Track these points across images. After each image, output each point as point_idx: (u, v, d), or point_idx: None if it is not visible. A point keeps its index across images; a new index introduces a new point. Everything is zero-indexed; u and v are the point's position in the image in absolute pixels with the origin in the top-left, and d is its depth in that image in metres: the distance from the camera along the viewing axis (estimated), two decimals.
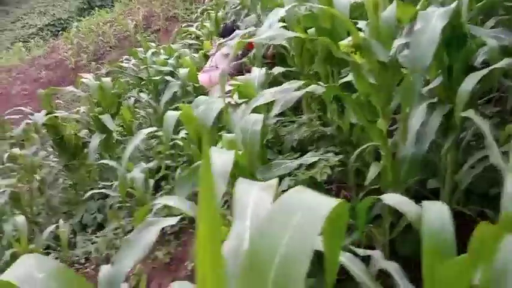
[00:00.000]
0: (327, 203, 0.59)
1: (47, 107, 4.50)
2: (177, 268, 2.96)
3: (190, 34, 6.34)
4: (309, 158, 1.66)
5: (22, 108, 4.78)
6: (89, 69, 9.33)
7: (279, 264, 0.55)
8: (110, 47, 10.44)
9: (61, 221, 3.79)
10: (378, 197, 0.96)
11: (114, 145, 4.43)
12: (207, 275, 0.50)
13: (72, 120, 4.55)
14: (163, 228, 3.16)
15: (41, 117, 4.22)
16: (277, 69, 2.47)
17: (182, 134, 3.07)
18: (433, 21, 1.31)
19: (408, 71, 1.33)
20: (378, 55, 1.60)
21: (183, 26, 7.03)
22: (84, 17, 14.56)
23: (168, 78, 4.18)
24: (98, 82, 4.18)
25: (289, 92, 1.53)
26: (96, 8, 16.15)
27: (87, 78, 4.42)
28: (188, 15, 10.19)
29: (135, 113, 4.92)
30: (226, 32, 4.39)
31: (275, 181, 0.92)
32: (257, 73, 2.23)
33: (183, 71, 3.60)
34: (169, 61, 4.59)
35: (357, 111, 1.66)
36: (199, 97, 2.88)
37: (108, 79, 4.13)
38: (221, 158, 1.16)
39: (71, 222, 4.44)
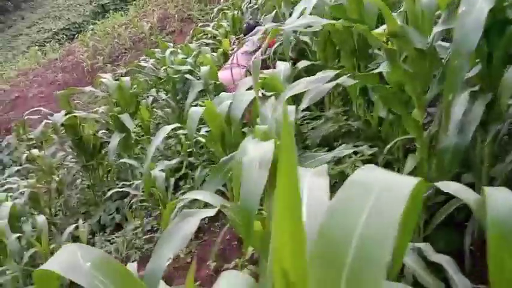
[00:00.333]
0: (406, 181, 0.53)
1: (66, 107, 4.51)
2: (199, 267, 2.92)
3: (207, 34, 6.33)
4: (343, 150, 1.60)
5: (41, 108, 4.79)
6: (104, 71, 9.35)
7: (356, 247, 0.49)
8: (125, 49, 10.49)
9: (80, 221, 3.78)
10: (435, 184, 0.90)
11: (132, 145, 4.42)
12: (285, 255, 0.45)
13: (90, 120, 4.54)
14: None
15: (60, 117, 4.22)
16: (302, 63, 2.42)
17: (203, 131, 3.04)
18: (478, 3, 1.25)
19: (451, 56, 1.27)
20: (415, 43, 1.54)
21: (199, 26, 7.01)
22: (98, 21, 14.69)
23: (188, 76, 4.16)
24: (117, 82, 4.17)
25: (322, 81, 1.47)
26: (110, 11, 16.30)
27: (106, 78, 4.42)
28: (203, 16, 10.18)
29: (152, 113, 4.91)
30: (249, 30, 4.37)
31: (325, 167, 0.87)
32: (282, 67, 2.18)
33: (204, 69, 3.56)
34: (188, 60, 4.56)
35: (391, 102, 1.59)
36: (221, 93, 2.85)
37: (127, 78, 4.12)
38: (261, 148, 1.11)
39: (89, 222, 4.43)
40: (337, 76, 1.59)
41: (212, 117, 2.46)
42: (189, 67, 4.30)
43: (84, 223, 4.21)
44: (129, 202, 4.34)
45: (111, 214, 4.50)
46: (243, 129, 2.83)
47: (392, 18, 1.53)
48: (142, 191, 3.97)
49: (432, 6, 1.47)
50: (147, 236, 3.57)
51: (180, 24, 10.33)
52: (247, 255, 1.99)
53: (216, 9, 7.32)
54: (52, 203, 4.85)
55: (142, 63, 5.11)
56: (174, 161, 3.02)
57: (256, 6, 4.83)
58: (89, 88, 4.60)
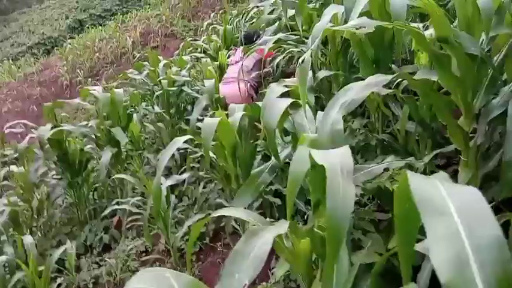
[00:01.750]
0: None
1: (52, 120, 4.26)
2: None
3: (196, 48, 6.20)
4: (393, 162, 1.47)
5: (24, 121, 4.52)
6: (85, 86, 9.10)
7: None
8: (107, 64, 10.24)
9: (68, 243, 3.51)
10: None
11: (123, 161, 4.20)
12: None
13: (78, 135, 4.30)
14: (182, 249, 2.91)
15: (46, 131, 3.97)
16: (322, 73, 2.30)
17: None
18: None
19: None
20: (468, 48, 1.44)
21: (188, 40, 6.88)
22: (76, 36, 14.39)
23: (184, 88, 4.00)
24: (108, 94, 3.97)
25: (376, 86, 1.35)
26: (87, 27, 16.00)
27: (95, 90, 4.21)
28: (187, 32, 10.08)
29: (143, 128, 4.71)
30: (248, 39, 4.27)
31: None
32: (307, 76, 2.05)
33: (208, 83, 3.41)
34: (183, 73, 4.41)
35: (442, 111, 1.48)
36: (231, 105, 2.70)
37: (120, 90, 3.92)
38: (335, 155, 0.97)
39: (73, 243, 4.15)
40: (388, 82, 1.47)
41: (225, 130, 2.31)
42: (183, 79, 4.14)
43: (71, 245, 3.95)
44: (118, 221, 4.11)
45: (99, 234, 4.23)
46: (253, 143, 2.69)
47: (445, 22, 1.43)
48: (138, 207, 3.75)
49: (489, 11, 1.37)
50: (143, 258, 3.34)
51: (164, 39, 10.18)
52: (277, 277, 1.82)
53: (205, 24, 7.23)
54: (33, 223, 4.53)
55: (135, 76, 4.92)
56: (184, 176, 2.83)
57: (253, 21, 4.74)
58: (76, 100, 4.37)
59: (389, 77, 1.38)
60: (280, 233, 0.97)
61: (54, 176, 4.77)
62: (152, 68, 4.92)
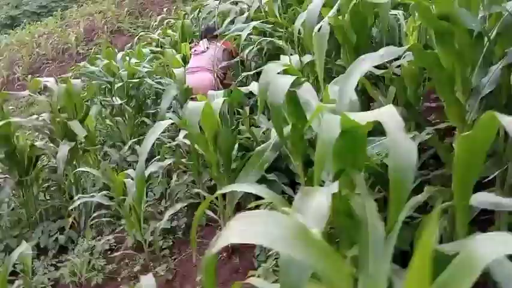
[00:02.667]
0: None
1: None
2: (183, 284, 2.60)
3: (150, 43, 6.01)
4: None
5: None
6: (25, 83, 8.52)
7: None
8: (48, 60, 9.65)
9: (24, 243, 3.22)
10: None
11: (80, 156, 3.95)
12: None
13: (28, 128, 4.00)
14: (152, 245, 2.77)
15: None
16: (306, 58, 2.30)
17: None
18: None
19: None
20: (468, 24, 1.49)
21: (142, 34, 6.64)
22: (11, 31, 13.46)
23: (147, 80, 3.84)
24: (64, 85, 3.72)
25: (387, 58, 1.35)
26: (23, 23, 15.02)
27: (48, 81, 3.93)
28: (135, 29, 9.76)
29: (99, 122, 4.48)
30: (209, 32, 4.21)
31: None
32: (294, 60, 2.05)
33: (178, 71, 3.28)
34: (143, 64, 4.24)
35: (444, 87, 1.52)
36: (210, 92, 2.62)
37: (77, 81, 3.69)
38: (385, 113, 0.94)
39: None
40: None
41: (208, 116, 2.24)
42: (145, 70, 3.98)
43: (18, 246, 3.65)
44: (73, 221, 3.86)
45: (53, 235, 3.95)
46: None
47: None
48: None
49: None
50: (110, 256, 3.15)
51: (110, 36, 9.79)
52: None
53: (159, 18, 7.02)
54: None
55: (86, 69, 4.64)
56: (167, 162, 2.69)
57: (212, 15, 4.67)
58: (25, 92, 4.06)
59: (402, 49, 1.39)
60: (334, 192, 0.93)
61: (0, 175, 4.42)
62: (107, 61, 4.68)
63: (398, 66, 2.02)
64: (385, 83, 2.13)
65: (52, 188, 4.51)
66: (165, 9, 8.09)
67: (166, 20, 6.40)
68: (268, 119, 2.45)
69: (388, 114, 0.93)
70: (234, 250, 2.59)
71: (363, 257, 0.99)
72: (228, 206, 2.58)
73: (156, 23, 7.20)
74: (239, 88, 2.42)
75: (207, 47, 4.02)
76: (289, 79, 1.55)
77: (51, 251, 3.78)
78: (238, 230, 0.68)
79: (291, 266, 0.73)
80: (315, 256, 0.62)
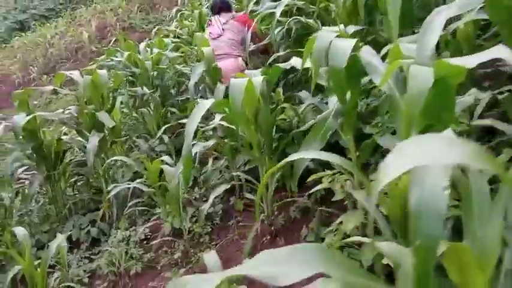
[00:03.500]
0: None
1: (25, 109, 3.90)
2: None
3: (167, 35, 5.95)
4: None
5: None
6: (41, 83, 8.53)
7: None
8: (62, 60, 9.66)
9: (60, 236, 3.20)
10: None
11: (108, 148, 3.91)
12: None
13: (55, 123, 3.98)
14: (191, 231, 2.71)
15: (21, 119, 3.61)
16: (351, 28, 2.21)
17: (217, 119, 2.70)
18: None
19: None
20: None
21: (160, 27, 6.59)
22: (23, 34, 13.49)
23: (179, 67, 3.78)
24: (90, 77, 3.68)
25: (463, 10, 1.27)
26: (30, 27, 15.05)
27: (73, 74, 3.90)
28: (146, 25, 9.72)
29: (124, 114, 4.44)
30: (224, 7, 4.02)
31: None
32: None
33: (206, 50, 3.20)
34: (167, 53, 4.19)
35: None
36: (247, 71, 2.55)
37: (103, 71, 3.64)
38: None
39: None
40: None
41: (249, 93, 2.16)
42: (172, 56, 3.92)
43: (49, 242, 3.64)
44: (104, 214, 3.83)
45: (84, 228, 3.93)
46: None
47: None
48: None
49: None
50: (147, 245, 3.11)
51: (122, 32, 9.75)
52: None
53: (174, 10, 6.95)
54: (6, 222, 4.14)
55: (105, 63, 4.60)
56: (211, 142, 2.62)
57: None
58: (50, 87, 4.02)
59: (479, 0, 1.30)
60: None
61: (27, 171, 4.41)
62: (126, 53, 4.63)
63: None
64: (439, 48, 2.04)
65: (80, 183, 4.50)
66: (179, 1, 8.01)
67: (180, 12, 6.34)
68: (313, 95, 2.37)
69: (503, 51, 0.85)
70: (278, 232, 2.53)
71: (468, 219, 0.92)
72: (270, 188, 2.53)
73: (173, 14, 7.12)
74: (278, 64, 2.34)
75: (223, 29, 3.89)
76: (351, 41, 1.47)
77: (84, 244, 3.76)
78: (412, 152, 0.60)
79: None
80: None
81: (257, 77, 2.26)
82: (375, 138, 1.71)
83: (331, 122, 1.56)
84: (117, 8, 10.88)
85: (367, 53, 1.49)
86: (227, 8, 4.09)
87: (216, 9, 4.10)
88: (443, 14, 1.24)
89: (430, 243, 0.69)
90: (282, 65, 2.28)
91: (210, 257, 1.42)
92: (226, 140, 2.64)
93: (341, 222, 1.72)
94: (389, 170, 0.61)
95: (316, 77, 1.65)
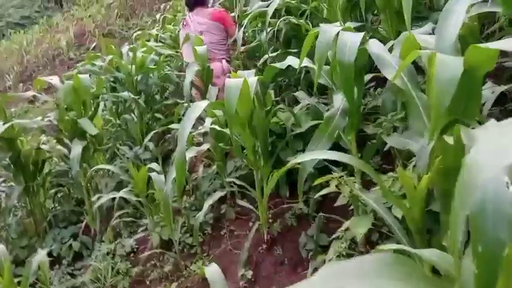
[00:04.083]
0: None
1: (1, 117, 3.71)
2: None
3: (148, 40, 5.79)
4: None
5: None
6: (16, 92, 8.24)
7: None
8: (39, 67, 9.37)
9: (41, 251, 3.00)
10: None
11: (91, 156, 3.74)
12: None
13: (34, 131, 3.78)
14: (181, 242, 2.57)
15: None
16: (350, 24, 2.12)
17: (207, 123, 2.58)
18: None
19: None
20: None
21: (146, 31, 6.43)
22: None
23: (164, 72, 3.64)
24: (71, 82, 3.51)
25: None
26: (9, 33, 14.66)
27: (52, 79, 3.72)
28: (126, 31, 9.53)
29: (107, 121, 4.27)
30: (198, 1, 3.82)
31: None
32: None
33: (201, 49, 3.06)
34: (152, 56, 4.04)
35: None
36: (240, 72, 2.44)
37: (86, 76, 3.47)
38: None
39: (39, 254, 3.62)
40: None
41: (244, 95, 2.05)
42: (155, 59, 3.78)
43: (29, 258, 3.45)
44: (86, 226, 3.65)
45: (66, 243, 3.74)
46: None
47: None
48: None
49: None
50: (134, 258, 2.95)
51: (102, 39, 9.54)
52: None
53: (158, 16, 6.79)
54: None
55: (85, 68, 4.42)
56: (204, 146, 2.48)
57: None
58: (29, 93, 3.83)
59: None
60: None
61: (3, 184, 4.19)
62: (109, 57, 4.46)
63: None
64: None
65: (60, 194, 4.30)
66: (161, 6, 7.86)
67: (163, 16, 6.19)
68: (310, 95, 2.27)
69: None
70: (274, 240, 2.41)
71: None
72: (265, 196, 2.41)
73: (156, 18, 6.94)
74: (273, 65, 2.24)
75: (200, 31, 3.60)
76: (359, 34, 1.38)
77: (66, 259, 3.58)
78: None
79: None
80: None
81: (251, 78, 2.15)
82: (381, 137, 1.61)
83: (339, 120, 1.46)
84: (96, 14, 10.65)
85: (375, 47, 1.39)
86: (202, 3, 3.83)
87: (191, 5, 3.86)
88: (463, 1, 1.16)
89: (496, 248, 0.59)
90: (278, 65, 2.17)
91: (212, 270, 1.30)
92: (220, 144, 2.52)
93: (347, 229, 1.61)
94: (489, 165, 0.51)
95: (319, 73, 1.55)
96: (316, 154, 1.30)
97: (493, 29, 1.97)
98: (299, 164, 1.75)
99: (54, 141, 3.77)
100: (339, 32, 1.48)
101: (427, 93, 1.16)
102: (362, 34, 1.38)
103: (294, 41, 3.45)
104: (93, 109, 3.63)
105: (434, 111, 0.95)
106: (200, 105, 1.90)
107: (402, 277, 0.39)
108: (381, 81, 2.47)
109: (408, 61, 1.12)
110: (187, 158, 2.40)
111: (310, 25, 3.09)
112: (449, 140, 0.88)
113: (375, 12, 2.72)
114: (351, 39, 1.36)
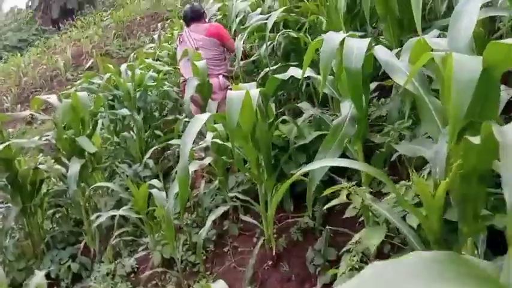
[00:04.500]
0: None
1: None
2: None
3: (147, 58, 5.79)
4: None
5: None
6: (13, 113, 8.18)
7: None
8: (36, 88, 9.35)
9: (39, 273, 2.92)
10: None
11: (89, 175, 3.68)
12: None
13: (32, 151, 3.74)
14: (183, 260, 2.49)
15: None
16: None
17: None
18: None
19: None
20: None
21: (142, 50, 6.44)
22: None
23: (166, 88, 3.61)
24: (69, 100, 3.47)
25: None
26: (5, 57, 14.71)
27: (50, 98, 3.69)
28: (123, 51, 9.56)
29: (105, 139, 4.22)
30: (195, 15, 3.79)
31: None
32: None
33: (200, 64, 3.03)
34: (150, 73, 4.02)
35: None
36: (241, 84, 2.41)
37: (84, 93, 3.44)
38: None
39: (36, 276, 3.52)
40: None
41: (246, 107, 2.01)
42: (153, 76, 3.76)
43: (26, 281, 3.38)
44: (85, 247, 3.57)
45: (64, 264, 3.65)
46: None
47: None
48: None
49: None
50: (134, 279, 2.86)
51: (100, 57, 9.56)
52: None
53: (156, 34, 6.82)
54: None
55: (83, 86, 4.39)
56: (208, 160, 2.43)
57: None
58: (26, 112, 3.79)
59: None
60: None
61: (0, 205, 4.11)
62: (107, 75, 4.44)
63: None
64: None
65: (58, 215, 4.22)
66: (158, 25, 7.89)
67: (160, 35, 6.21)
68: (313, 106, 2.23)
69: None
70: (279, 256, 2.34)
71: None
72: (270, 210, 2.35)
73: (154, 37, 6.94)
74: (276, 76, 2.21)
75: (196, 47, 3.58)
76: (365, 40, 1.34)
77: (64, 281, 3.49)
78: None
79: None
80: None
81: (253, 90, 2.12)
82: (390, 146, 1.57)
83: (347, 128, 1.42)
84: (93, 35, 10.70)
85: (382, 53, 1.36)
86: (198, 18, 3.84)
87: (188, 21, 3.87)
88: (473, 1, 1.13)
89: None
90: (280, 76, 2.14)
91: (219, 285, 1.24)
92: (223, 157, 2.47)
93: (357, 241, 1.56)
94: None
95: (324, 81, 1.51)
96: (325, 162, 1.25)
97: (498, 35, 1.95)
98: (306, 176, 1.72)
99: (52, 160, 3.72)
100: (343, 39, 1.46)
101: (440, 96, 1.12)
102: (368, 40, 1.35)
103: (293, 54, 3.45)
104: (91, 127, 3.59)
105: (453, 113, 0.91)
106: (201, 118, 1.85)
107: (461, 279, 0.34)
108: (384, 92, 2.45)
109: (421, 63, 1.09)
110: (203, 165, 2.36)
111: (309, 38, 3.09)
112: (475, 140, 0.84)
113: (374, 25, 2.71)
114: (357, 46, 1.33)
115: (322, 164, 1.20)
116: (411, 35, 2.22)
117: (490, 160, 0.91)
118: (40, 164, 3.88)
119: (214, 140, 2.35)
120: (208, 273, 2.61)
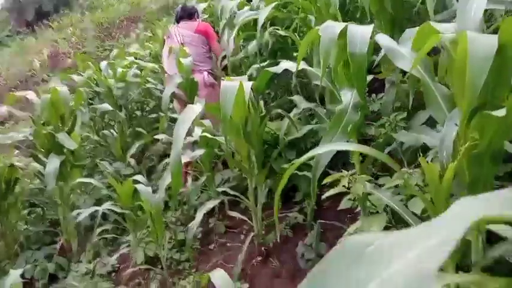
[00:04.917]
0: None
1: None
2: None
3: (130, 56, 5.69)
4: None
5: None
6: None
7: None
8: (11, 89, 9.04)
9: (14, 272, 2.78)
10: None
11: (69, 172, 3.55)
12: None
13: (7, 147, 3.59)
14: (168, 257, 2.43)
15: None
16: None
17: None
18: None
19: None
20: None
21: (122, 47, 6.31)
22: None
23: (150, 86, 3.53)
24: (49, 95, 3.35)
25: None
26: None
27: (28, 94, 3.57)
28: (101, 52, 9.39)
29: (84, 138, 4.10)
30: (186, 13, 3.82)
31: None
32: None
33: (186, 60, 2.98)
34: (133, 70, 3.94)
35: None
36: (234, 78, 2.38)
37: (64, 88, 3.33)
38: None
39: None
40: None
41: (239, 100, 1.98)
42: (137, 73, 3.68)
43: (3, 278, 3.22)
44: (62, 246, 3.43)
45: (40, 264, 3.52)
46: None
47: None
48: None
49: None
50: (115, 278, 2.77)
51: (80, 55, 9.35)
52: None
53: (135, 33, 6.70)
54: None
55: (75, 77, 4.25)
56: (200, 151, 2.36)
57: None
58: (3, 108, 3.65)
59: None
60: None
61: None
62: (88, 72, 4.33)
63: None
64: None
65: (33, 214, 4.07)
66: (140, 24, 7.79)
67: (142, 34, 6.12)
68: (307, 99, 2.22)
69: None
70: (269, 252, 2.30)
71: None
72: (258, 206, 2.32)
73: (135, 36, 6.83)
74: (268, 69, 2.19)
75: (182, 43, 3.55)
76: (368, 26, 1.34)
77: (40, 282, 3.36)
78: None
79: None
80: None
81: (246, 82, 2.09)
82: (390, 136, 1.56)
83: (351, 115, 1.40)
84: (71, 36, 10.48)
85: (384, 40, 1.36)
86: (189, 16, 3.84)
87: (178, 18, 3.87)
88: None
89: None
90: (273, 69, 2.12)
91: (218, 275, 1.19)
92: (215, 150, 2.43)
93: (355, 231, 1.54)
94: None
95: (324, 70, 1.49)
96: (333, 146, 1.23)
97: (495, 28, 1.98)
98: (298, 169, 1.70)
99: (28, 159, 3.58)
100: (342, 29, 1.45)
101: (449, 80, 1.12)
102: (372, 26, 1.35)
103: (279, 53, 3.44)
104: (70, 124, 3.48)
105: (468, 93, 0.90)
106: (195, 108, 1.81)
107: None
108: (373, 88, 2.46)
109: (430, 46, 1.08)
110: (196, 156, 2.30)
111: (297, 37, 3.09)
112: (500, 112, 0.83)
113: (366, 22, 2.73)
114: (361, 31, 1.32)
115: (329, 147, 1.17)
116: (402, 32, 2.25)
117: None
118: (16, 162, 3.74)
119: (204, 133, 2.30)
120: (194, 270, 2.55)
